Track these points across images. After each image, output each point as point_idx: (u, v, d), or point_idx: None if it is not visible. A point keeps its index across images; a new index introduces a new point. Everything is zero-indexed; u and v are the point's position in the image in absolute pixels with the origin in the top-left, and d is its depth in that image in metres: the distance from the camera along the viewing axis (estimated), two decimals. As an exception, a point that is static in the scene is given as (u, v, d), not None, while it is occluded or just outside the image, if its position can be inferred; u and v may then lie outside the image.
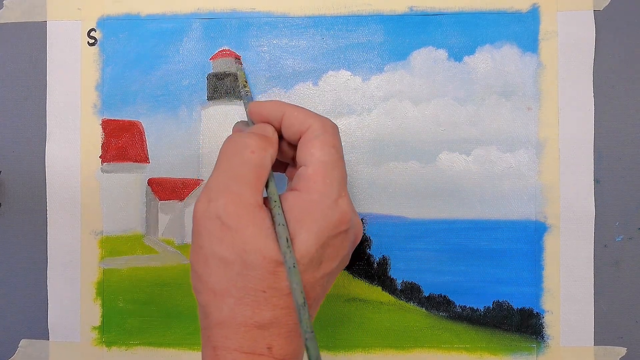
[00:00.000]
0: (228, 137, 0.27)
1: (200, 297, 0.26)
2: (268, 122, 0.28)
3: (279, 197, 0.26)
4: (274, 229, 0.25)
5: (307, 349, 0.23)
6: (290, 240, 0.24)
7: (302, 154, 0.27)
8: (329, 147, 0.26)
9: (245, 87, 0.34)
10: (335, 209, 0.25)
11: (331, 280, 0.27)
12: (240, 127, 0.31)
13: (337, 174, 0.26)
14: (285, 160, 0.30)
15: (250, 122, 0.30)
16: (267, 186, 0.27)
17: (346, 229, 0.26)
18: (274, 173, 0.28)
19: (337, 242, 0.26)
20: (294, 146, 0.28)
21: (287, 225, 0.25)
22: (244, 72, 0.35)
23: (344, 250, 0.27)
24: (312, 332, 0.23)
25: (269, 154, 0.26)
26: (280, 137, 0.29)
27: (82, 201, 0.37)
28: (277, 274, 0.24)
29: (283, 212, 0.25)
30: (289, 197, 0.26)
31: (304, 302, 0.24)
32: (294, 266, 0.24)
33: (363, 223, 0.37)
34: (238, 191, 0.25)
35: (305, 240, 0.25)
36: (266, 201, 0.26)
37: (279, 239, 0.24)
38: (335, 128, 0.27)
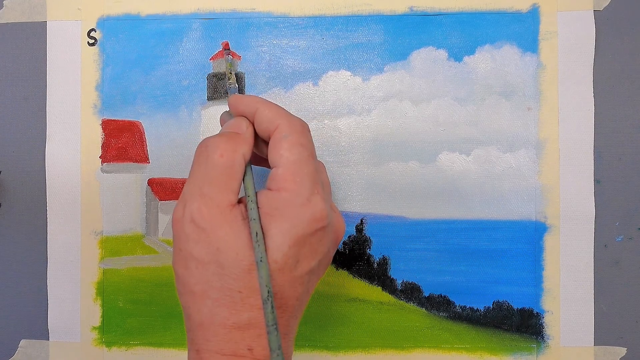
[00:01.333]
0: (201, 140, 0.28)
1: (182, 300, 0.26)
2: (245, 117, 0.29)
3: (255, 194, 0.26)
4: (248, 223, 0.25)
5: (269, 342, 0.24)
6: (260, 235, 0.24)
7: (272, 156, 0.27)
8: (297, 146, 0.26)
9: (230, 78, 0.33)
10: (308, 206, 0.25)
11: (313, 279, 0.27)
12: (224, 118, 0.31)
13: (308, 171, 0.26)
14: (261, 154, 0.30)
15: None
16: (244, 181, 0.27)
17: (322, 227, 0.26)
18: (259, 168, 0.29)
19: (314, 240, 0.26)
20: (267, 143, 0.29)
21: (259, 221, 0.25)
22: (231, 63, 0.35)
23: (323, 248, 0.26)
24: (273, 325, 0.24)
25: (240, 153, 0.26)
26: None
27: (82, 201, 0.37)
28: (252, 273, 0.24)
29: (258, 208, 0.26)
30: (262, 197, 0.26)
31: (268, 296, 0.24)
32: (261, 260, 0.24)
33: (363, 223, 0.37)
34: (210, 194, 0.25)
35: (276, 237, 0.25)
36: (243, 200, 0.27)
37: (250, 233, 0.25)
38: (304, 127, 0.27)
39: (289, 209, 0.25)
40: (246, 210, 0.26)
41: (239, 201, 0.27)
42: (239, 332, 0.24)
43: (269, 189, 0.26)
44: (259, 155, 0.30)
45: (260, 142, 0.29)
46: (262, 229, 0.25)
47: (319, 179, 0.27)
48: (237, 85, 0.32)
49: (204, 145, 0.27)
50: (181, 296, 0.26)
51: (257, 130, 0.28)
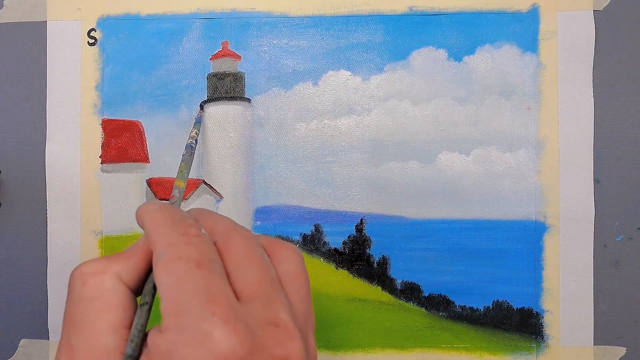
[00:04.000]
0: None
1: None
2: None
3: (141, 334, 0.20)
4: None
5: None
6: (136, 339, 0.19)
7: (157, 286, 0.20)
8: (173, 262, 0.19)
9: (191, 139, 0.32)
10: (200, 342, 0.18)
11: None
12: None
13: (193, 289, 0.18)
14: None
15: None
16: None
17: None
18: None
19: None
20: None
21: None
22: (199, 125, 0.34)
23: None
24: None
25: (110, 274, 0.20)
26: None
27: (82, 201, 0.37)
28: None
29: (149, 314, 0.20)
30: (151, 338, 0.19)
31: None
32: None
33: (363, 223, 0.37)
34: (75, 342, 0.19)
35: None
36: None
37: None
38: (187, 234, 0.20)
39: (175, 355, 0.18)
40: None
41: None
42: None
43: (159, 330, 0.19)
44: None
45: None
46: None
47: (220, 293, 0.19)
48: (193, 143, 0.32)
49: (71, 275, 0.21)
50: None
51: None
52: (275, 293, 0.20)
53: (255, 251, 0.21)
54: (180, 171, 0.30)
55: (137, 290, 0.21)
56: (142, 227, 0.22)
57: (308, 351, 0.20)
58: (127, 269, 0.20)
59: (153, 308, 0.21)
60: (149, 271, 0.21)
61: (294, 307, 0.21)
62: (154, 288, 0.21)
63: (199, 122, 0.36)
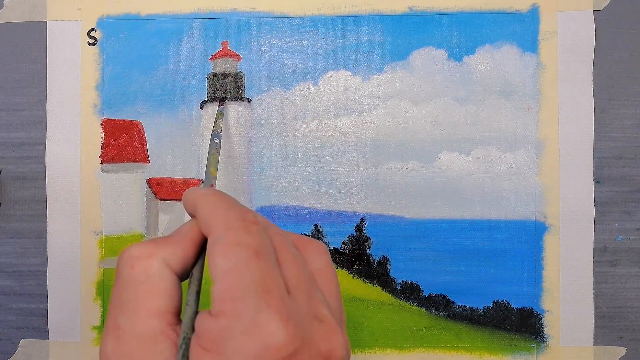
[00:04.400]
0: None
1: None
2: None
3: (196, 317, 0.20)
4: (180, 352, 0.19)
5: None
6: (193, 312, 0.20)
7: (210, 269, 0.20)
8: (232, 247, 0.19)
9: (215, 138, 0.31)
10: (253, 333, 0.18)
11: None
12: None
13: (251, 278, 0.19)
14: None
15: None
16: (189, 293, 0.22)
17: (286, 357, 0.18)
18: None
19: None
20: None
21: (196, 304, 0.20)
22: (221, 112, 0.34)
23: None
24: None
25: (157, 259, 0.20)
26: None
27: (82, 201, 0.37)
28: None
29: (198, 297, 0.21)
30: (200, 323, 0.19)
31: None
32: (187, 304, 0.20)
33: (363, 223, 0.37)
34: (123, 324, 0.20)
35: None
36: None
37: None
38: (246, 220, 0.20)
39: (228, 342, 0.18)
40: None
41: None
42: None
43: (209, 314, 0.19)
44: None
45: None
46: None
47: (275, 285, 0.19)
48: (220, 133, 0.32)
49: (119, 258, 0.21)
50: None
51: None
52: (313, 289, 0.21)
53: (290, 247, 0.21)
54: (214, 161, 0.30)
55: (182, 276, 0.21)
56: (192, 211, 0.22)
57: (346, 347, 0.20)
58: (174, 254, 0.21)
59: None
60: (195, 258, 0.22)
61: (329, 303, 0.21)
62: (201, 274, 0.21)
63: (221, 112, 0.35)
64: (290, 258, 0.21)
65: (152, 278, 0.20)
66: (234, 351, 0.18)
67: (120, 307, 0.20)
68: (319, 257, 0.23)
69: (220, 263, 0.19)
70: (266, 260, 0.19)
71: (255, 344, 0.18)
